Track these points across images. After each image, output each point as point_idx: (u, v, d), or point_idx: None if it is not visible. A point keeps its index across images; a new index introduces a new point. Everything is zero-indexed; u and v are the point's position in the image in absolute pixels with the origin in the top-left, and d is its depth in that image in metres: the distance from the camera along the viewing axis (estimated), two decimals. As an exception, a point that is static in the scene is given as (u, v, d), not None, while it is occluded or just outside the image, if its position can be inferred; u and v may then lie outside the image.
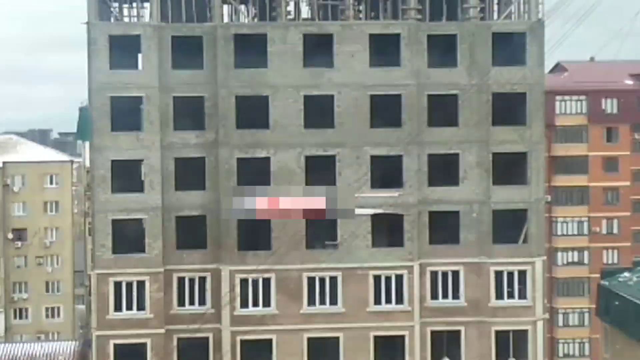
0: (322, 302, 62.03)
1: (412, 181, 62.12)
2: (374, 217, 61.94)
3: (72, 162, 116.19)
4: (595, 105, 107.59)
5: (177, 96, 61.54)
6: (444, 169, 62.35)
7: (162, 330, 61.16)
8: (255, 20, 65.30)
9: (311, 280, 62.01)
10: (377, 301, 62.22)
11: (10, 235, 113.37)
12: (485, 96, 62.71)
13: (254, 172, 61.35)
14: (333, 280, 62.06)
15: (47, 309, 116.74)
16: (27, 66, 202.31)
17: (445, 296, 62.83)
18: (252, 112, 61.38)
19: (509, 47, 62.72)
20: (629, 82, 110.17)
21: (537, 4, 63.90)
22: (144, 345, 61.12)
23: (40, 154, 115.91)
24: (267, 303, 61.87)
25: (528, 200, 63.19)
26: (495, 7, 66.43)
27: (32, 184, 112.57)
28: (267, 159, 61.69)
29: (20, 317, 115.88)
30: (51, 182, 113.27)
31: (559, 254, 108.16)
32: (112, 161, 61.15)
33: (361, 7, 65.39)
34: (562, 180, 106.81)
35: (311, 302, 61.99)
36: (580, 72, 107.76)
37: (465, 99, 62.52)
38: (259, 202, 61.29)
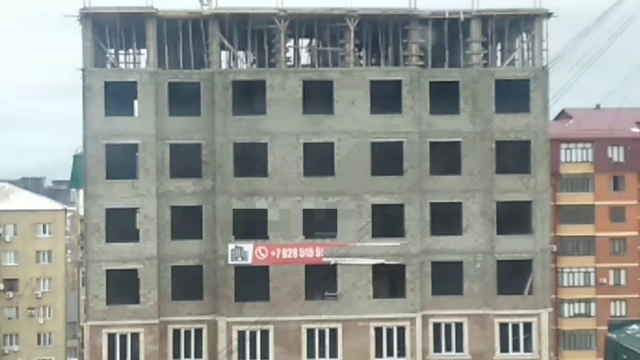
0: (322, 354, 60.69)
1: (414, 230, 60.93)
2: (375, 267, 60.74)
3: (65, 210, 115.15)
4: (601, 154, 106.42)
5: (173, 143, 60.55)
6: (446, 218, 61.19)
7: (156, 384, 59.76)
8: (254, 66, 64.41)
9: (310, 332, 60.69)
10: (379, 354, 60.85)
11: (1, 286, 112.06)
12: (488, 144, 61.69)
13: (252, 221, 60.18)
14: (333, 332, 60.76)
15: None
16: (21, 113, 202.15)
17: (448, 349, 61.48)
18: (250, 160, 60.35)
19: (513, 94, 61.75)
20: (636, 130, 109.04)
21: (541, 50, 63.05)
22: (138, 399, 59.70)
23: (33, 203, 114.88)
24: (265, 355, 60.55)
25: (533, 251, 62.04)
26: (498, 54, 65.67)
27: (24, 233, 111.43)
28: (266, 208, 60.47)
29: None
30: (44, 231, 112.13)
31: (565, 306, 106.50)
32: (107, 209, 60.03)
33: (362, 53, 64.54)
34: (568, 230, 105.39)
35: (310, 354, 60.62)
36: (586, 119, 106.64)
37: (468, 147, 61.47)
38: (257, 251, 60.25)
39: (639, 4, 35.73)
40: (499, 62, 65.08)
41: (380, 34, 63.39)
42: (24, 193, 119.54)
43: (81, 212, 70.89)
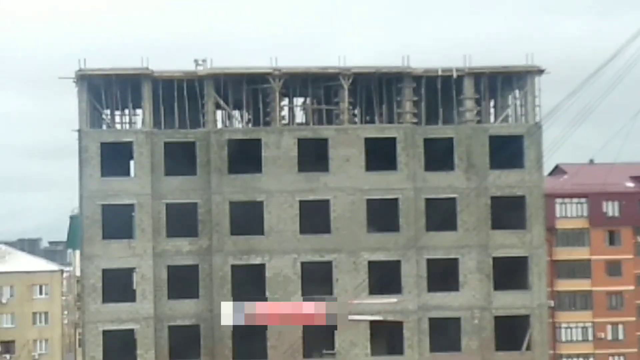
0: (320, 413, 60.26)
1: (410, 287, 60.89)
2: (373, 324, 60.56)
3: (62, 271, 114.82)
4: (596, 208, 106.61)
5: (169, 203, 60.65)
6: (443, 274, 61.17)
7: None
8: (249, 125, 64.76)
9: (308, 391, 60.34)
10: (377, 412, 60.41)
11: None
12: (483, 199, 61.88)
13: (249, 279, 60.14)
14: (331, 390, 60.40)
15: None
16: (16, 174, 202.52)
17: (447, 405, 61.09)
18: (247, 218, 60.44)
19: (507, 150, 62.07)
20: (630, 184, 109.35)
21: (533, 106, 63.50)
22: None
23: (30, 264, 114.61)
24: (263, 415, 60.09)
25: (530, 306, 61.94)
26: (492, 110, 66.02)
27: (20, 295, 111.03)
28: (262, 266, 60.56)
29: None
30: (40, 293, 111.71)
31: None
32: (103, 270, 59.98)
33: (356, 111, 64.94)
34: (565, 285, 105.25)
35: (308, 413, 60.20)
36: (580, 174, 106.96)
37: (463, 203, 61.63)
38: (254, 309, 60.05)
39: (632, 60, 36.05)
40: (492, 119, 65.44)
41: (374, 92, 63.83)
42: (21, 254, 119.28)
43: (78, 273, 70.70)
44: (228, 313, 59.47)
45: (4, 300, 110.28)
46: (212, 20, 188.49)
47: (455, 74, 62.89)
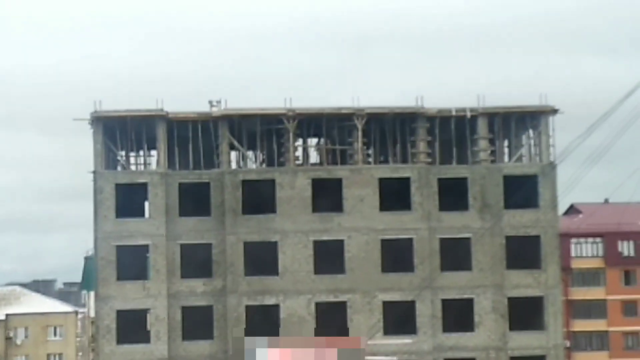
0: None
1: (426, 327, 60.65)
2: (388, 365, 60.23)
3: (76, 312, 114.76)
4: (611, 248, 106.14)
5: (184, 244, 60.70)
6: (458, 314, 60.93)
7: None
8: (263, 165, 64.85)
9: None
10: None
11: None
12: (498, 239, 61.73)
13: (263, 320, 59.98)
14: None
15: None
16: (32, 215, 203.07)
17: None
18: (261, 259, 60.40)
19: (521, 190, 61.94)
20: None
21: (547, 146, 63.47)
22: None
23: (44, 305, 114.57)
24: None
25: (546, 346, 61.62)
26: (506, 150, 65.97)
27: (35, 336, 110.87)
28: (277, 306, 60.46)
29: None
30: (55, 334, 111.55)
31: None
32: (118, 311, 59.95)
33: (370, 151, 64.95)
34: (581, 325, 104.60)
35: None
36: (595, 214, 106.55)
37: (478, 243, 61.49)
38: (269, 352, 59.64)
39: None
40: (506, 158, 65.38)
41: (388, 132, 63.93)
42: (35, 296, 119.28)
43: (92, 314, 70.67)
44: (245, 356, 59.03)
45: (18, 342, 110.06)
46: (227, 60, 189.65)
47: (469, 114, 62.96)
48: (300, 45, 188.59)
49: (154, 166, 63.45)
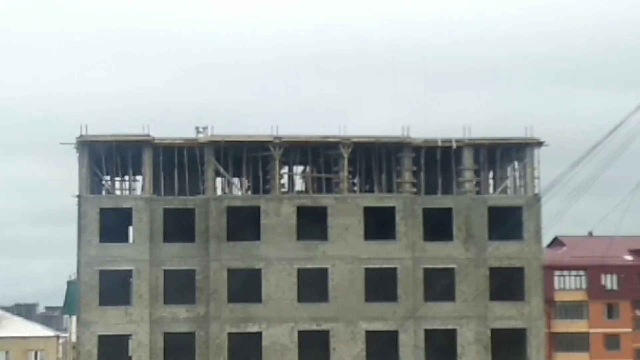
0: None
1: (409, 358, 60.59)
2: (370, 395, 60.05)
3: (57, 337, 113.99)
4: (594, 281, 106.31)
5: (167, 269, 60.54)
6: (441, 345, 60.84)
7: None
8: (249, 192, 64.79)
9: None
10: None
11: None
12: (482, 270, 61.78)
13: (246, 348, 59.78)
14: None
15: None
16: (14, 239, 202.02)
17: None
18: (244, 286, 60.27)
19: (506, 222, 62.05)
20: (629, 257, 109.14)
21: (532, 178, 63.64)
22: None
23: (26, 329, 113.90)
24: None
25: (529, 378, 61.48)
26: (491, 181, 66.12)
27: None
28: (259, 334, 60.27)
29: None
30: (36, 358, 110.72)
31: None
32: (99, 336, 59.65)
33: (355, 180, 65.04)
34: (563, 358, 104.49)
35: None
36: (579, 246, 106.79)
37: (462, 273, 61.52)
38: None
39: (631, 134, 36.21)
40: (491, 189, 65.53)
41: (374, 161, 64.00)
42: (17, 320, 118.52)
43: (74, 339, 70.23)
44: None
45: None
46: (215, 87, 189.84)
47: (454, 145, 63.13)
48: (290, 73, 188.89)
49: (139, 191, 63.34)
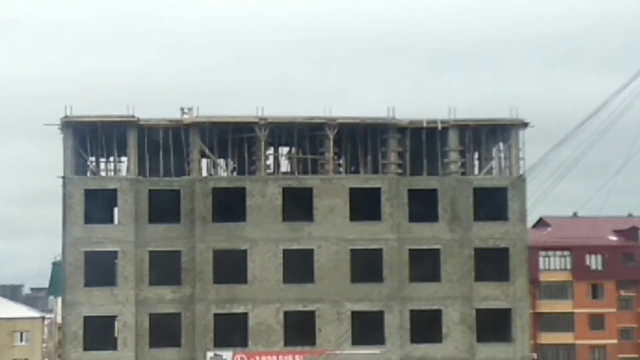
0: None
1: (394, 338, 60.69)
2: (355, 375, 60.22)
3: (43, 318, 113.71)
4: (579, 261, 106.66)
5: (153, 250, 60.49)
6: (426, 325, 61.01)
7: None
8: (234, 173, 64.71)
9: None
10: None
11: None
12: (467, 251, 61.91)
13: (231, 328, 59.84)
14: None
15: None
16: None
17: None
18: (230, 267, 60.29)
19: (491, 202, 62.18)
20: (613, 238, 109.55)
21: (517, 159, 63.72)
22: None
23: (11, 311, 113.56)
24: None
25: (513, 358, 61.78)
26: (476, 162, 66.19)
27: (1, 342, 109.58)
28: (245, 315, 60.32)
29: None
30: (21, 339, 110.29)
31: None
32: (85, 317, 59.62)
33: (341, 161, 65.00)
34: (548, 338, 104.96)
35: None
36: (564, 227, 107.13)
37: (447, 254, 61.65)
38: (236, 359, 59.75)
39: (615, 114, 36.32)
40: (476, 170, 65.60)
41: (360, 143, 63.98)
42: (2, 301, 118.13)
43: (59, 320, 70.20)
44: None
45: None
46: (200, 67, 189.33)
47: (440, 126, 63.16)
48: (281, 54, 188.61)
49: (124, 172, 63.15)
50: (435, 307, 61.34)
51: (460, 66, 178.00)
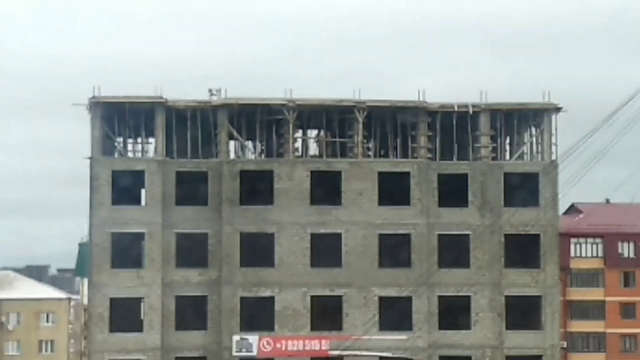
0: None
1: (421, 324, 60.16)
2: (382, 361, 59.87)
3: (69, 299, 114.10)
4: (611, 249, 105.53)
5: (179, 232, 60.19)
6: (454, 312, 60.49)
7: None
8: (262, 156, 64.25)
9: None
10: None
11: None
12: (497, 237, 61.19)
13: (258, 312, 59.56)
14: None
15: None
16: (27, 201, 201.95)
17: None
18: (257, 250, 59.96)
19: (522, 188, 61.49)
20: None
21: (550, 144, 62.91)
22: None
23: (37, 291, 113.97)
24: None
25: (542, 346, 61.15)
26: (507, 147, 65.44)
27: (27, 322, 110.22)
28: (272, 298, 59.97)
29: None
30: (47, 320, 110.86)
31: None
32: (111, 299, 59.44)
33: (370, 145, 64.35)
34: (578, 326, 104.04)
35: None
36: (596, 214, 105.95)
37: (477, 240, 60.96)
38: (262, 343, 59.51)
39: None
40: (507, 156, 64.84)
41: (389, 126, 63.32)
42: (28, 281, 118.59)
43: (85, 301, 70.12)
44: (237, 346, 58.83)
45: (10, 328, 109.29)
46: (229, 49, 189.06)
47: (471, 110, 62.41)
48: (309, 38, 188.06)
49: (151, 154, 62.85)
50: (464, 294, 60.69)
51: (489, 52, 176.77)
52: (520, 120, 63.92)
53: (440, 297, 60.62)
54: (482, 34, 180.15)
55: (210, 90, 62.53)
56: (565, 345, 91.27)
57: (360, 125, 61.78)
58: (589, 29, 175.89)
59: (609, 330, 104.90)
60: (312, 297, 60.00)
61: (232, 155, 62.88)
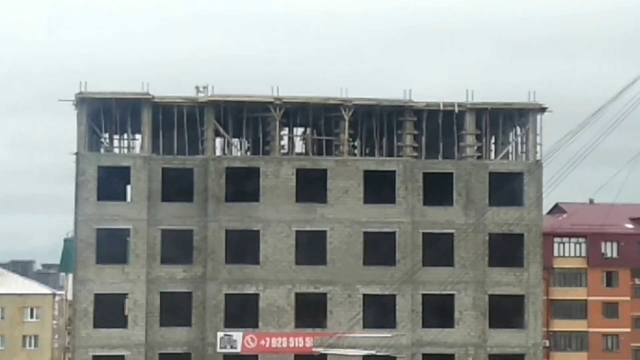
0: None
1: (405, 322, 60.34)
2: (366, 358, 59.98)
3: (54, 295, 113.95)
4: (594, 249, 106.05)
5: (165, 229, 60.26)
6: (438, 310, 60.69)
7: None
8: (248, 153, 64.41)
9: None
10: None
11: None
12: (481, 236, 61.47)
13: (242, 309, 59.65)
14: None
15: None
16: (11, 195, 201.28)
17: None
18: (242, 247, 60.05)
19: (506, 187, 61.72)
20: (629, 225, 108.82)
21: (535, 144, 63.20)
22: None
23: (21, 286, 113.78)
24: None
25: (525, 345, 61.41)
26: (492, 147, 65.70)
27: (11, 317, 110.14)
28: (256, 295, 60.09)
29: None
30: (31, 316, 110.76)
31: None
32: (96, 294, 59.49)
33: (356, 143, 64.60)
34: (561, 325, 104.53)
35: None
36: (579, 214, 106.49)
37: (461, 239, 61.19)
38: (246, 339, 59.61)
39: (633, 101, 35.83)
40: (492, 155, 65.11)
41: (375, 124, 63.51)
42: (13, 277, 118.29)
43: (70, 297, 70.07)
44: (221, 342, 58.92)
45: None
46: (216, 46, 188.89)
47: (457, 109, 62.65)
48: (294, 35, 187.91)
49: (137, 150, 62.94)
50: (447, 292, 60.93)
51: (483, 51, 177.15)
52: (506, 119, 64.22)
53: (424, 295, 60.83)
54: (484, 34, 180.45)
55: (197, 87, 62.65)
56: (547, 344, 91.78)
57: (347, 124, 61.98)
58: (592, 32, 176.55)
59: (591, 330, 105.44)
60: (297, 294, 60.14)
61: (218, 152, 63.06)
